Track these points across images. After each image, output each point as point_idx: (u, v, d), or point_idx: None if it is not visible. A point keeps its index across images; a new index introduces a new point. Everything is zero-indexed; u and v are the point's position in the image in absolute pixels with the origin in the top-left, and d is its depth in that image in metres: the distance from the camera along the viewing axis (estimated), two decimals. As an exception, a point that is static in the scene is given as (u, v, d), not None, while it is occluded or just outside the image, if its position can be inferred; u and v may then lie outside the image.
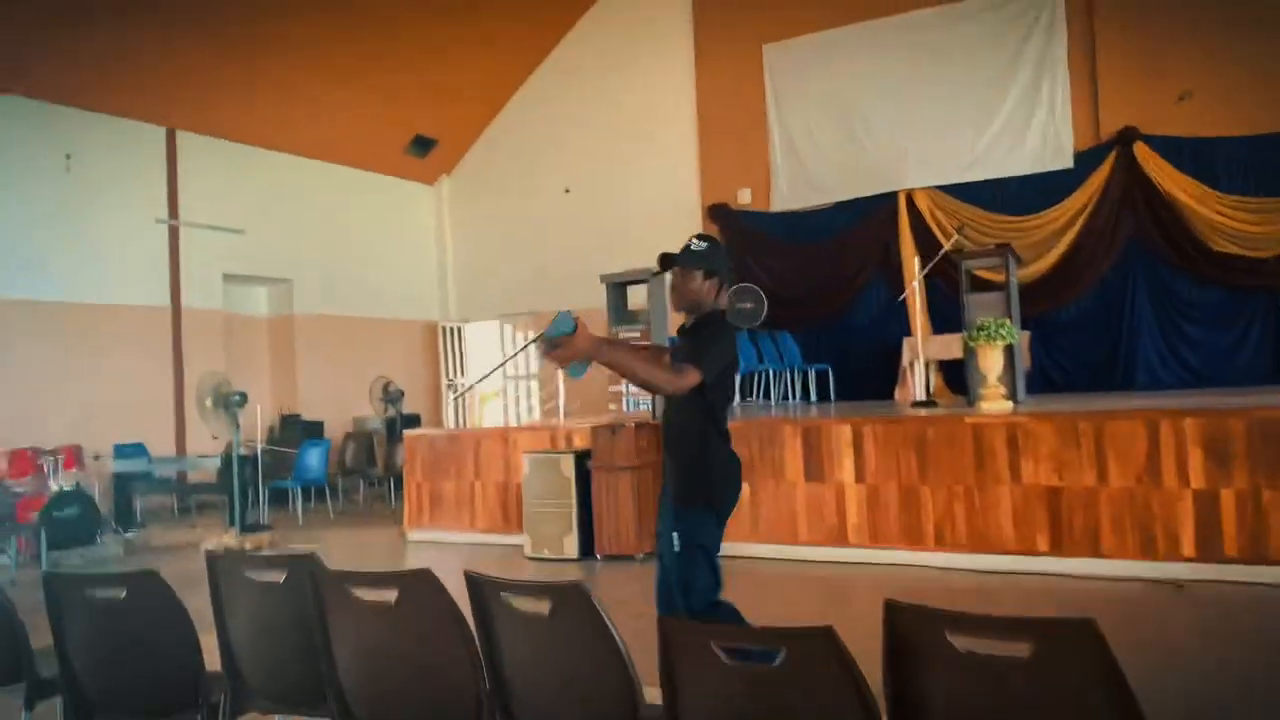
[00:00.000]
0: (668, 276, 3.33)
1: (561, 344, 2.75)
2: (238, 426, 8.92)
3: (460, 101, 14.12)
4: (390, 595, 2.24)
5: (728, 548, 6.98)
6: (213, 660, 2.70)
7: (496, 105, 14.71)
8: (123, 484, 10.06)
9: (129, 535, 9.38)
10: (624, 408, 7.75)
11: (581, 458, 7.29)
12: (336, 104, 12.71)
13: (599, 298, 8.18)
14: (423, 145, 14.35)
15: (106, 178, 11.09)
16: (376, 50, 12.24)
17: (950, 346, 9.55)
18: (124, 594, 2.63)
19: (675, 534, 3.25)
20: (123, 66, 10.62)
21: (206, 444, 11.04)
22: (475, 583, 2.18)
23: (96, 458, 9.95)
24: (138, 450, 10.63)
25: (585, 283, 8.46)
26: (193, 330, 11.90)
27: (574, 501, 7.21)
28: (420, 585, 2.20)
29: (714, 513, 3.28)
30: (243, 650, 2.66)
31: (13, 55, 9.80)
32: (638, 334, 7.68)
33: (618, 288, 7.92)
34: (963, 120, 11.21)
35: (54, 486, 8.47)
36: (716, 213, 12.75)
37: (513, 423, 12.27)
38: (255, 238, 12.58)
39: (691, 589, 3.23)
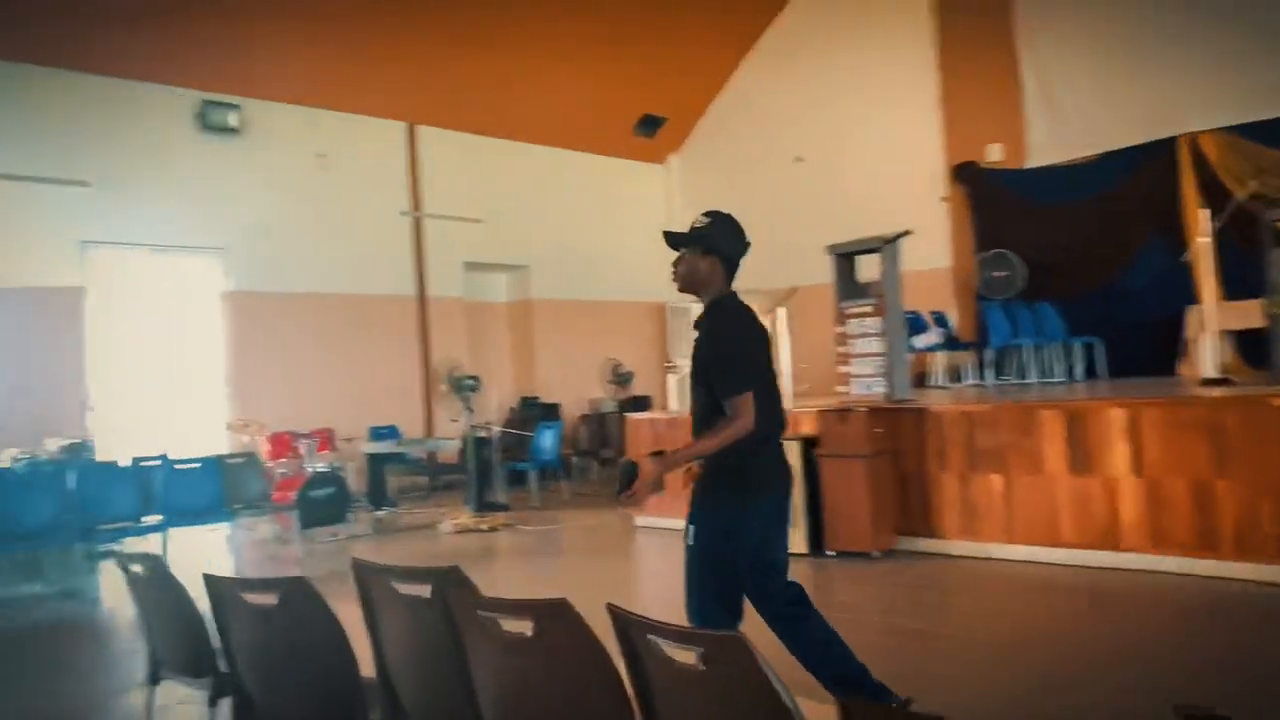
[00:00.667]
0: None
1: (635, 489, 2.83)
2: (470, 410, 9.10)
3: (687, 77, 13.81)
4: (526, 626, 1.89)
5: (975, 549, 6.33)
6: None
7: (723, 78, 14.28)
8: (376, 464, 10.56)
9: (380, 513, 9.84)
10: (855, 390, 7.11)
11: (808, 444, 6.76)
12: (565, 90, 12.76)
13: (828, 271, 7.58)
14: (650, 124, 14.17)
15: (355, 174, 11.70)
16: (602, 33, 12.16)
17: (1248, 315, 8.16)
18: (276, 600, 2.46)
19: (691, 526, 2.99)
20: (366, 67, 11.13)
21: (454, 426, 11.44)
22: (621, 620, 1.77)
23: (349, 440, 10.51)
24: (390, 432, 11.15)
25: (815, 256, 7.88)
26: (437, 317, 12.37)
27: (801, 492, 6.70)
28: (558, 618, 1.83)
29: (739, 504, 2.96)
30: (395, 664, 2.42)
31: (268, 62, 10.49)
32: (868, 305, 7.01)
33: (845, 259, 7.27)
34: (1257, 47, 9.53)
35: (310, 468, 8.99)
36: (962, 173, 11.69)
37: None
38: (493, 226, 12.90)
39: (693, 593, 2.96)
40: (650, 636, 1.69)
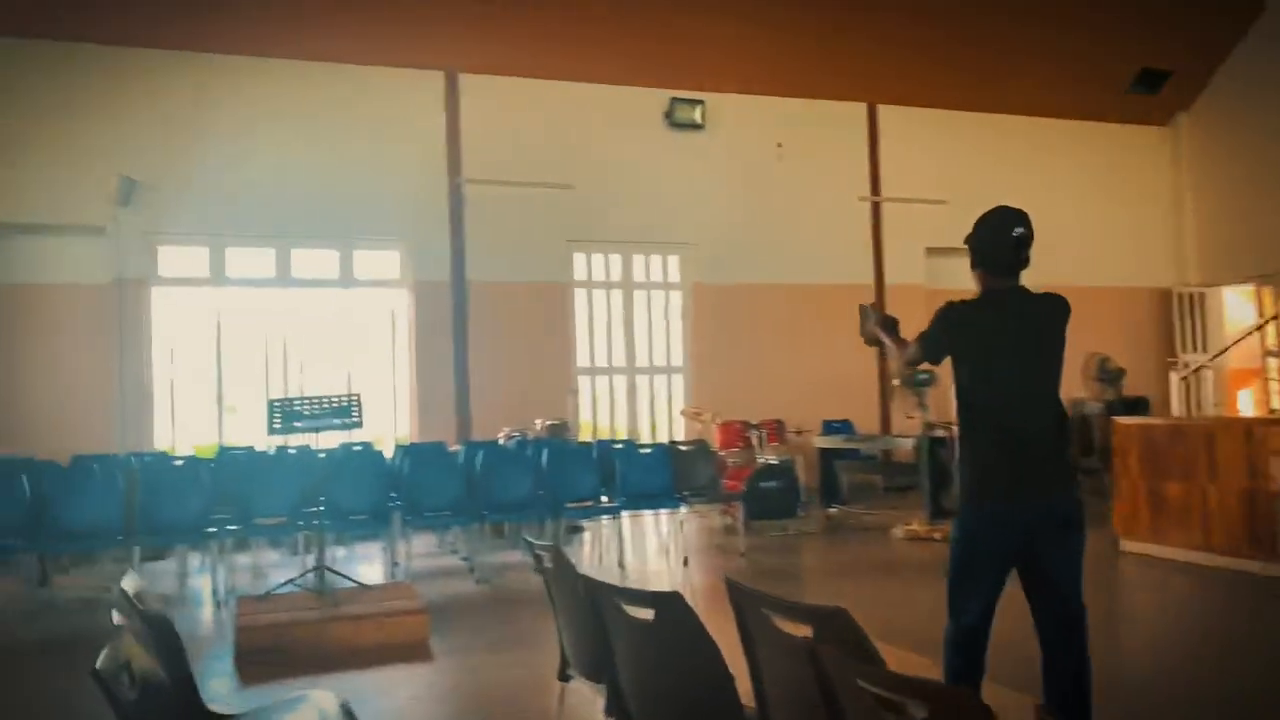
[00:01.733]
0: None
1: (867, 329, 3.36)
2: (925, 406, 8.40)
3: (1198, 20, 11.60)
4: (920, 710, 1.36)
5: None
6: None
7: (1248, 17, 11.80)
8: (828, 459, 10.25)
9: (831, 511, 9.52)
10: None
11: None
12: (1045, 51, 11.39)
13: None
14: (1151, 80, 12.16)
15: (812, 160, 11.49)
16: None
17: None
18: (652, 616, 2.16)
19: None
20: (824, 49, 10.84)
21: (910, 423, 10.79)
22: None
23: (799, 433, 10.30)
24: (844, 427, 10.78)
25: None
26: (896, 306, 11.60)
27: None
28: (961, 711, 1.27)
29: (971, 509, 3.02)
30: (774, 701, 2.01)
31: (728, 55, 10.65)
32: None
33: None
34: None
35: (761, 459, 8.92)
36: None
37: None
38: (957, 208, 11.95)
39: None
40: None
